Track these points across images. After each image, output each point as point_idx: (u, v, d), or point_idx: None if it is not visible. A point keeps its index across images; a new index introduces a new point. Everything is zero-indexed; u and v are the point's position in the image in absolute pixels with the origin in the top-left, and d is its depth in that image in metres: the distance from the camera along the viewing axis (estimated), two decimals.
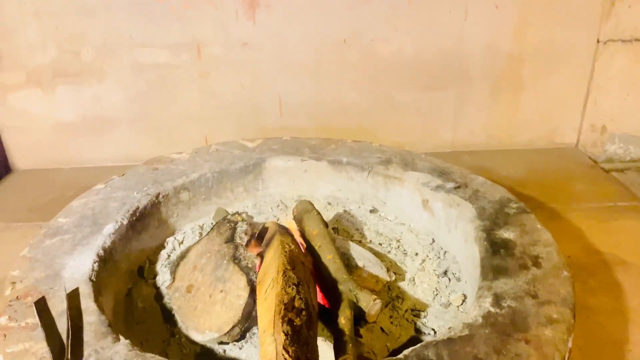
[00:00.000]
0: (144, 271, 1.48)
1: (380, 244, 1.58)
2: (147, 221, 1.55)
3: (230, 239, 1.35)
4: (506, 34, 2.31)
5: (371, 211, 1.76)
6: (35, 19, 2.16)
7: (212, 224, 1.64)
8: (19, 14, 2.15)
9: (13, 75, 2.25)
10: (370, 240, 1.60)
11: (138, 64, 2.28)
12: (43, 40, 2.20)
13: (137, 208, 1.51)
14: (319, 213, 1.45)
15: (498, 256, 1.26)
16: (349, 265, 1.35)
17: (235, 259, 1.27)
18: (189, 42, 2.26)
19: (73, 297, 1.11)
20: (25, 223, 2.01)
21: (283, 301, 0.94)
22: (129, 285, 1.43)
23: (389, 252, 1.54)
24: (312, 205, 1.49)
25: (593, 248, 1.77)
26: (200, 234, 1.62)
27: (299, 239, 1.38)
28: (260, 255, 1.26)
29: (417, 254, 1.53)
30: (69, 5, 2.15)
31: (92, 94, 2.32)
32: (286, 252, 1.13)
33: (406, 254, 1.54)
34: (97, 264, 1.27)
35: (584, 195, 2.13)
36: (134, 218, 1.49)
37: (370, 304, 1.11)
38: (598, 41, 2.34)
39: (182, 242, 1.59)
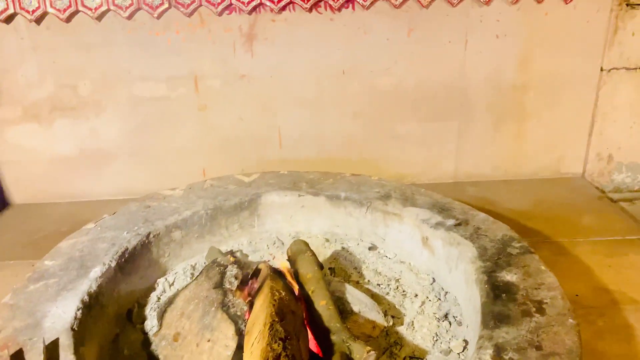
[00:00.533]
0: (133, 315, 1.43)
1: (378, 284, 1.52)
2: (136, 262, 1.50)
3: (219, 284, 1.29)
4: (508, 63, 2.27)
5: (370, 248, 1.70)
6: (33, 54, 2.16)
7: (204, 263, 1.59)
8: (17, 49, 2.15)
9: (10, 110, 2.24)
10: (369, 281, 1.54)
11: (136, 98, 2.26)
12: (41, 75, 2.19)
13: (127, 249, 1.47)
14: (313, 254, 1.40)
15: (500, 301, 1.20)
16: (344, 310, 1.29)
17: (224, 306, 1.22)
18: (186, 75, 2.24)
19: (51, 350, 1.06)
20: (18, 261, 1.96)
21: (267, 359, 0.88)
22: (117, 330, 1.38)
23: (388, 293, 1.48)
24: (307, 245, 1.44)
25: (601, 286, 1.70)
26: (192, 274, 1.57)
27: (292, 282, 1.32)
28: (250, 302, 1.21)
29: (416, 296, 1.47)
30: (67, 40, 2.14)
31: (89, 128, 2.30)
32: (275, 300, 1.08)
33: (405, 295, 1.48)
34: (80, 311, 1.22)
35: (591, 228, 2.06)
36: (123, 260, 1.45)
37: (364, 357, 1.05)
38: (602, 69, 2.29)
39: (172, 284, 1.54)
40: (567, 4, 2.15)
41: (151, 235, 1.56)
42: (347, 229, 1.76)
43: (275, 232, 1.79)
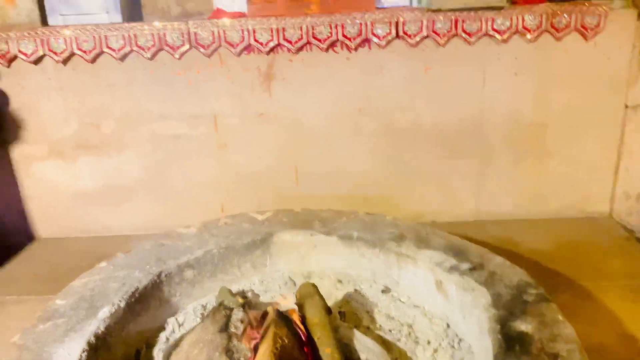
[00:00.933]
0: (141, 356, 1.42)
1: (390, 330, 1.48)
2: (147, 302, 1.50)
3: (225, 328, 1.28)
4: (527, 100, 2.25)
5: (383, 291, 1.66)
6: (59, 94, 2.24)
7: (215, 303, 1.58)
8: (45, 89, 2.23)
9: (37, 147, 2.32)
10: (380, 326, 1.50)
11: (156, 135, 2.32)
12: (66, 114, 2.27)
13: (137, 289, 1.47)
14: (321, 298, 1.38)
15: (512, 353, 1.15)
16: (351, 358, 1.26)
17: (228, 351, 1.20)
18: (206, 113, 2.29)
19: None
20: (36, 296, 1.99)
21: None
22: None
23: (399, 340, 1.44)
24: (316, 288, 1.42)
25: (628, 334, 1.61)
26: (202, 314, 1.56)
27: (300, 327, 1.30)
28: (255, 348, 1.19)
29: (429, 343, 1.42)
30: (92, 80, 2.22)
31: (111, 165, 2.36)
32: (277, 348, 1.06)
33: (417, 342, 1.43)
34: (85, 353, 1.22)
35: (619, 271, 1.97)
36: (133, 299, 1.45)
37: None
38: (626, 106, 2.24)
39: (182, 324, 1.53)
40: (587, 41, 2.12)
41: (163, 275, 1.56)
42: (361, 270, 1.73)
43: (288, 271, 1.77)
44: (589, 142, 2.31)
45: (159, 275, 1.55)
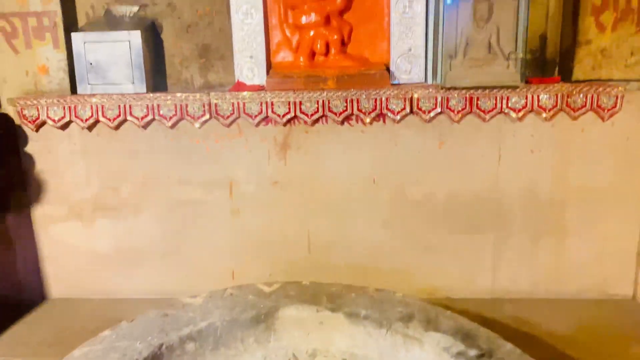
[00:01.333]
0: None
1: None
2: None
3: None
4: (545, 178, 2.22)
5: None
6: (82, 158, 2.31)
7: None
8: (69, 153, 2.31)
9: (57, 208, 2.37)
10: None
11: (172, 200, 2.35)
12: (87, 177, 2.33)
13: None
14: None
15: None
16: None
17: None
18: (222, 180, 2.32)
19: None
20: (42, 359, 1.98)
21: None
22: None
23: None
24: None
25: None
26: None
27: None
28: None
29: None
30: (114, 146, 2.29)
31: (127, 228, 2.39)
32: None
33: None
34: None
35: None
36: None
37: None
38: None
39: None
40: (604, 121, 2.11)
41: (163, 347, 1.55)
42: (367, 350, 1.68)
43: (292, 348, 1.73)
44: (610, 221, 2.25)
45: (159, 347, 1.54)
